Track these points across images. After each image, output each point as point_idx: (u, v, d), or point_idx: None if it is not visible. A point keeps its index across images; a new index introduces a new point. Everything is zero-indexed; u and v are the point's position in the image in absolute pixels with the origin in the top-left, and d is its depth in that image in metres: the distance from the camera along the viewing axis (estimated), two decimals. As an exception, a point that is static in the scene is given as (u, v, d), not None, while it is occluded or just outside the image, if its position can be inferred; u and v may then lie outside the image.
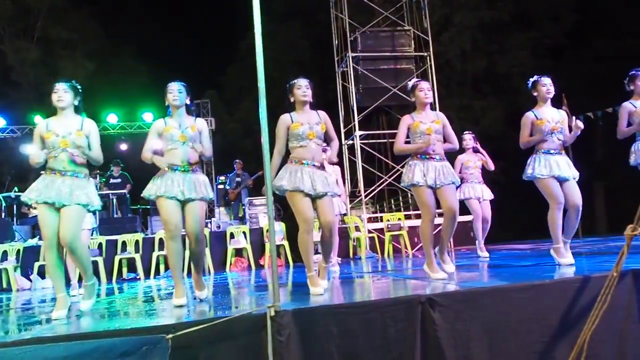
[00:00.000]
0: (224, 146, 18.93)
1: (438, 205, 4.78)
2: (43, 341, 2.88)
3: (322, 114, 4.51)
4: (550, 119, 4.99)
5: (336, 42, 13.21)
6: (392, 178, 12.05)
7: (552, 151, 4.97)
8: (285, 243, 9.78)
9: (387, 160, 12.38)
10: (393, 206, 13.86)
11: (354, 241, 10.53)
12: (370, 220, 11.68)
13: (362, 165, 12.19)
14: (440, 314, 3.34)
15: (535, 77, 5.15)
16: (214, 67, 21.79)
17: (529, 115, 5.05)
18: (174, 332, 3.01)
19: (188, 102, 4.42)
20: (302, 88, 4.42)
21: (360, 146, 12.15)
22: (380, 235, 10.69)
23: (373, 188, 12.36)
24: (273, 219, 3.27)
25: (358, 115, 12.10)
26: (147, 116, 15.47)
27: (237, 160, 12.40)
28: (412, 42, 12.67)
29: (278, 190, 4.31)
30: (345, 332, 3.24)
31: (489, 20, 17.71)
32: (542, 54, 18.41)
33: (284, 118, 4.42)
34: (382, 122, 13.08)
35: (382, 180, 12.24)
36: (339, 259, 9.77)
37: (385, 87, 11.81)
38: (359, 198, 12.05)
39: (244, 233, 10.17)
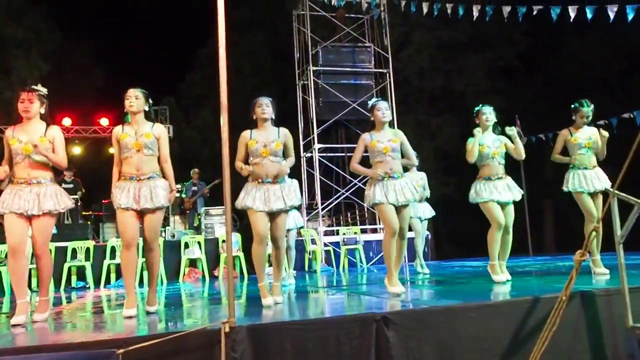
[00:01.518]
0: (181, 154, 18.73)
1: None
2: (-11, 355, 2.80)
3: (283, 131, 4.65)
4: (491, 144, 5.40)
5: (297, 55, 13.27)
6: (349, 192, 12.13)
7: (492, 177, 5.38)
8: (241, 254, 9.71)
9: (344, 174, 12.46)
10: (350, 219, 13.95)
11: (309, 254, 10.54)
12: (326, 233, 11.71)
13: (320, 178, 12.23)
14: (394, 332, 3.39)
15: (478, 106, 5.61)
16: (173, 73, 21.58)
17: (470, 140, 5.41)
18: (125, 346, 2.97)
19: (146, 108, 4.43)
20: (262, 106, 4.57)
21: (319, 159, 12.20)
22: (336, 249, 10.74)
23: (330, 201, 12.42)
24: (231, 233, 3.26)
25: (317, 128, 12.16)
26: (103, 120, 15.20)
27: (194, 169, 12.29)
28: (373, 58, 12.83)
29: (240, 208, 4.52)
30: (299, 349, 3.25)
31: (447, 40, 18.08)
32: (496, 74, 18.93)
33: (244, 134, 4.62)
34: (341, 136, 13.16)
35: (339, 194, 12.31)
36: (294, 272, 9.78)
37: (344, 102, 11.93)
38: (316, 211, 12.08)
39: (199, 243, 10.07)
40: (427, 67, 18.73)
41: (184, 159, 17.75)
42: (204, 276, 9.75)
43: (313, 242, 10.54)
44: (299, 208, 7.56)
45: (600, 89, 17.40)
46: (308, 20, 12.63)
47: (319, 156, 12.19)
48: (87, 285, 9.03)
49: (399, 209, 4.80)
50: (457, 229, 21.92)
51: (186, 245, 9.97)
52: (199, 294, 6.84)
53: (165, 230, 11.18)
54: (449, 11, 10.00)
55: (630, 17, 7.78)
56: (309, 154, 12.69)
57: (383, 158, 4.85)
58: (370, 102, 5.10)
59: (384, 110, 4.94)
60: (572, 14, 8.52)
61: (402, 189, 4.79)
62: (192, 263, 9.99)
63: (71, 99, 16.56)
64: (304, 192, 12.85)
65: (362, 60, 12.67)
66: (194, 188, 12.11)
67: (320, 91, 12.30)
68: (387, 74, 12.67)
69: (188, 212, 12.18)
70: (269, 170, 4.49)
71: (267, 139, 4.51)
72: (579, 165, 5.61)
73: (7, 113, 14.74)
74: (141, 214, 4.26)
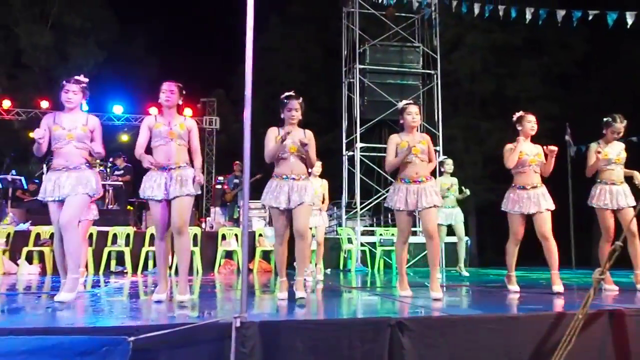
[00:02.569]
0: (228, 146, 18.94)
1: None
2: (2, 333, 2.86)
3: (309, 134, 4.71)
4: (529, 152, 5.32)
5: (345, 52, 13.22)
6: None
7: (526, 186, 5.32)
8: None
9: (385, 175, 12.34)
10: (390, 220, 13.81)
11: (345, 253, 10.50)
12: (364, 233, 11.64)
13: (361, 177, 12.16)
14: (409, 339, 3.31)
15: (520, 112, 5.45)
16: (225, 66, 21.83)
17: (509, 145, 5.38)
18: (137, 334, 2.99)
19: (180, 102, 4.58)
20: (292, 111, 4.65)
21: (360, 158, 12.13)
22: (373, 249, 10.65)
23: (370, 201, 12.33)
24: (246, 228, 3.25)
25: (361, 128, 12.09)
26: (153, 110, 15.52)
27: (236, 162, 12.39)
28: (421, 59, 12.66)
29: (264, 204, 4.73)
30: (310, 349, 3.21)
31: (501, 43, 17.70)
32: (550, 81, 18.41)
33: (273, 130, 4.72)
34: (385, 136, 12.99)
35: (379, 194, 12.20)
36: (328, 270, 9.80)
37: (389, 102, 11.78)
38: (355, 210, 12.02)
39: (236, 235, 10.14)
40: (479, 70, 18.38)
41: (230, 152, 17.92)
42: (238, 269, 9.81)
43: (350, 241, 10.48)
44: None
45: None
46: (357, 18, 12.56)
47: (361, 155, 12.12)
48: (125, 271, 9.23)
49: (424, 212, 4.77)
50: (503, 236, 21.46)
51: (223, 237, 10.07)
52: (229, 286, 6.88)
53: (205, 221, 11.32)
54: (500, 13, 9.76)
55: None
56: (350, 153, 12.63)
57: (411, 159, 4.81)
58: (400, 104, 5.05)
59: (414, 114, 4.88)
60: (630, 20, 8.18)
61: (425, 194, 4.76)
62: (228, 255, 10.09)
63: (125, 87, 16.98)
64: (344, 191, 12.83)
65: (410, 60, 12.52)
66: (236, 180, 12.21)
67: (366, 90, 12.22)
68: (435, 75, 12.48)
69: (229, 204, 12.30)
70: (294, 167, 4.61)
71: (294, 137, 4.60)
72: (607, 181, 5.46)
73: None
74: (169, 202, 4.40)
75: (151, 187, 4.39)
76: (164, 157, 4.39)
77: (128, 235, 9.64)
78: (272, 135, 4.66)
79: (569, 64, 18.55)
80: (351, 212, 12.33)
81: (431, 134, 12.55)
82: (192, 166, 4.55)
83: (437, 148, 12.29)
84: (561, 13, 9.01)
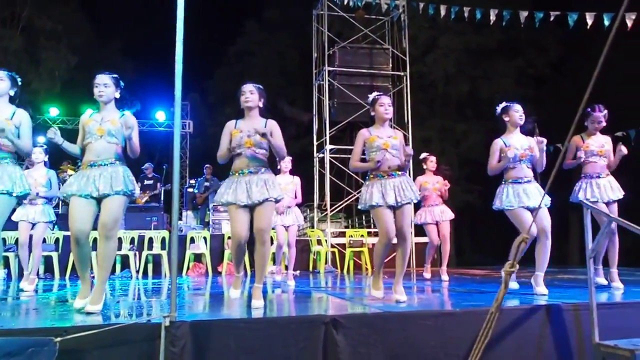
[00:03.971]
0: (203, 150, 18.84)
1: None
2: None
3: (271, 122, 4.34)
4: (519, 146, 4.95)
5: (316, 55, 13.24)
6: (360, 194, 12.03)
7: (520, 180, 4.94)
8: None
9: (356, 177, 12.37)
10: (364, 222, 13.82)
11: (314, 255, 10.49)
12: (334, 234, 11.63)
13: (331, 179, 12.17)
14: (343, 336, 3.31)
15: (505, 103, 5.12)
16: (201, 70, 21.73)
17: (498, 141, 5.05)
18: (64, 335, 2.96)
19: (117, 95, 4.19)
20: (246, 94, 4.31)
21: (330, 160, 12.13)
22: (342, 250, 10.65)
23: (340, 203, 12.34)
24: (177, 228, 3.23)
25: (330, 129, 12.10)
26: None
27: (207, 165, 12.34)
28: (390, 60, 12.70)
29: (221, 205, 4.35)
30: (243, 348, 3.20)
31: (475, 45, 17.80)
32: (525, 82, 18.55)
33: (229, 124, 4.39)
34: (355, 138, 13.05)
35: (350, 196, 12.21)
36: (297, 272, 9.75)
37: (359, 104, 11.77)
38: (326, 212, 12.02)
39: (205, 238, 10.11)
40: (454, 72, 18.47)
41: (205, 155, 17.84)
42: (207, 271, 9.78)
43: (319, 242, 10.48)
44: (300, 205, 7.47)
45: (634, 101, 16.88)
46: (326, 20, 12.58)
47: (331, 157, 12.13)
48: (93, 275, 9.08)
49: (399, 208, 4.48)
50: (479, 236, 21.56)
51: (192, 240, 10.02)
52: (191, 288, 6.81)
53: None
54: (466, 14, 9.84)
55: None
56: (321, 155, 12.64)
57: (383, 155, 4.48)
58: (371, 96, 4.74)
59: (387, 106, 4.59)
60: (590, 21, 8.28)
61: (402, 188, 4.45)
62: (197, 258, 10.05)
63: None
64: (315, 193, 12.82)
65: (380, 62, 12.54)
66: (207, 184, 12.17)
67: (336, 92, 12.22)
68: (405, 77, 12.53)
69: (200, 207, 12.25)
70: (251, 162, 4.23)
71: (251, 129, 4.23)
72: (592, 174, 5.36)
73: (35, 104, 15.09)
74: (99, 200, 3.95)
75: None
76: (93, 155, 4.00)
77: (95, 240, 9.51)
78: (228, 130, 4.33)
79: (543, 66, 18.69)
80: (322, 214, 12.34)
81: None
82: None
83: (409, 150, 12.28)
84: (524, 14, 9.09)
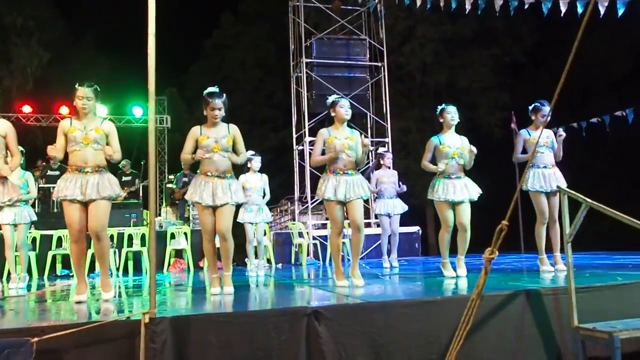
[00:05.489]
0: (181, 144, 18.69)
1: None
2: None
3: (232, 127, 4.74)
4: (452, 144, 5.48)
5: (293, 46, 13.17)
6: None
7: (451, 175, 5.46)
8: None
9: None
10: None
11: (296, 247, 10.48)
12: (315, 227, 11.63)
13: (311, 171, 12.14)
14: (325, 327, 3.31)
15: (442, 105, 5.73)
16: (177, 64, 21.54)
17: (434, 140, 5.59)
18: (41, 335, 2.92)
19: (98, 104, 4.68)
20: (215, 111, 4.62)
21: (310, 152, 12.09)
22: (324, 242, 10.65)
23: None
24: (155, 223, 3.19)
25: (309, 122, 12.07)
26: (101, 109, 15.20)
27: (185, 160, 12.20)
28: (368, 51, 12.69)
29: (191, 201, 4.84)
30: (224, 342, 3.18)
31: (452, 35, 17.86)
32: (501, 70, 18.68)
33: (194, 130, 4.76)
34: (334, 129, 13.04)
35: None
36: (280, 264, 9.81)
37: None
38: (307, 204, 12.00)
39: (185, 234, 10.03)
40: (431, 61, 18.53)
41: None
42: (189, 267, 9.71)
43: (301, 235, 10.47)
44: (268, 204, 7.71)
45: (606, 87, 17.11)
46: (302, 11, 12.52)
47: (311, 149, 12.08)
48: (71, 274, 9.00)
49: (349, 202, 4.89)
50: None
51: (172, 236, 9.94)
52: (167, 284, 6.76)
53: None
54: (441, 4, 9.82)
55: (620, 12, 7.56)
56: (300, 147, 12.60)
57: (340, 156, 4.92)
58: (330, 99, 5.19)
59: (347, 108, 5.05)
60: (563, 9, 8.30)
61: (353, 186, 4.88)
62: (178, 254, 9.97)
63: (72, 87, 16.52)
64: (295, 185, 12.80)
65: (357, 53, 12.53)
66: (185, 179, 12.03)
67: (314, 84, 12.18)
68: (382, 67, 12.53)
69: (178, 202, 12.14)
70: (219, 165, 4.62)
71: (218, 134, 4.63)
72: (539, 164, 5.65)
73: (6, 102, 14.80)
74: (86, 205, 4.43)
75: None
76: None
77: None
78: (193, 135, 4.70)
79: (519, 54, 18.84)
80: (303, 207, 12.32)
81: (379, 125, 12.62)
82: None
83: (387, 140, 12.34)
84: (499, 3, 9.09)
